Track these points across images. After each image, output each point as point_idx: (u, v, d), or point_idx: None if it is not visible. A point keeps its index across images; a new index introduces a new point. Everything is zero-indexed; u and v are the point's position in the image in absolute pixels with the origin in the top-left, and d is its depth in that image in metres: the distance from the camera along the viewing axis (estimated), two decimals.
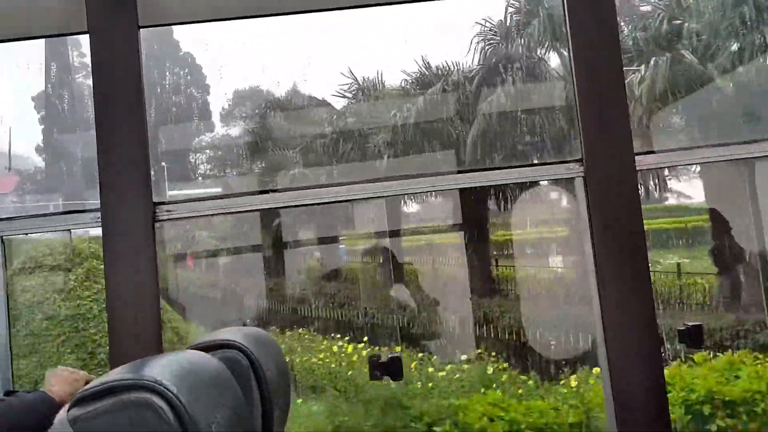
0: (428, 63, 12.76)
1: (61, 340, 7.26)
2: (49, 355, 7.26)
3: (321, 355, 8.29)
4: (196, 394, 1.08)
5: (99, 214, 2.60)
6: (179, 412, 1.02)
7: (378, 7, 2.83)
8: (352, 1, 2.81)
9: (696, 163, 2.79)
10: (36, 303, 7.37)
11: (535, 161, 12.72)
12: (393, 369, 2.68)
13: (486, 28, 13.12)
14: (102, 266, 2.67)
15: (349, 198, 2.89)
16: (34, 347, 7.26)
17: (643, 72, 10.65)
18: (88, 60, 2.65)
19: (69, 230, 2.78)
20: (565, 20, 2.77)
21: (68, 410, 1.03)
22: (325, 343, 9.24)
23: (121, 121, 2.60)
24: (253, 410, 1.48)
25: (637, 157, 2.69)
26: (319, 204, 2.86)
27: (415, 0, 2.91)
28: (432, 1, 3.11)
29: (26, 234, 2.84)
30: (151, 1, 2.68)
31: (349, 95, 13.23)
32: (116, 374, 1.07)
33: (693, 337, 2.72)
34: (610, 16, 2.75)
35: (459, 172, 2.90)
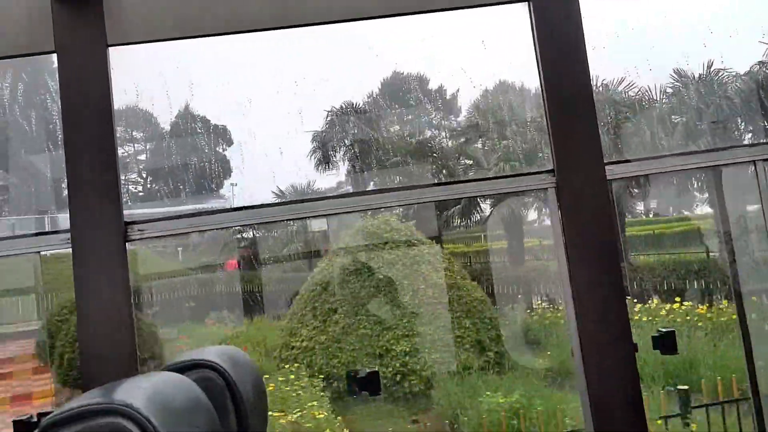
0: None
1: None
2: None
3: None
4: (169, 417, 1.06)
5: (69, 235, 2.55)
6: None
7: None
8: (324, 17, 2.82)
9: (666, 172, 2.83)
10: None
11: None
12: (371, 384, 2.67)
13: None
14: None
15: (325, 213, 2.89)
16: None
17: None
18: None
19: (38, 252, 2.72)
20: (533, 34, 2.82)
21: None
22: None
23: (90, 140, 2.57)
24: (230, 430, 1.46)
25: (607, 167, 2.74)
26: (295, 219, 2.85)
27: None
28: None
29: None
30: (118, 20, 2.65)
31: None
32: (87, 398, 1.05)
33: (667, 344, 2.76)
34: (577, 27, 2.80)
35: (435, 185, 2.91)
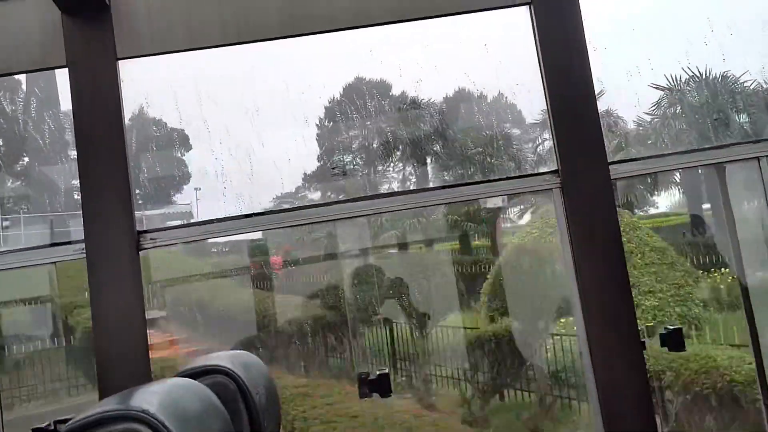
0: None
1: None
2: None
3: None
4: (184, 422, 1.10)
5: (83, 245, 2.61)
6: None
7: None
8: (329, 24, 2.86)
9: (670, 170, 2.84)
10: None
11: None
12: (382, 386, 2.71)
13: None
14: None
15: (333, 218, 2.93)
16: None
17: None
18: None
19: (54, 263, 2.78)
20: (535, 36, 2.84)
21: None
22: None
23: (102, 152, 2.63)
24: None
25: (611, 166, 2.76)
26: (302, 225, 2.89)
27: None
28: None
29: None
30: (128, 34, 2.71)
31: None
32: (104, 405, 1.09)
33: (674, 341, 2.77)
34: (578, 29, 2.83)
35: (441, 188, 2.94)
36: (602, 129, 2.78)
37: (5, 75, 2.74)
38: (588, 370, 2.69)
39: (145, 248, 2.63)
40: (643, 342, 2.61)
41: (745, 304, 3.09)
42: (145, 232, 2.65)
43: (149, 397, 1.11)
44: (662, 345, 2.82)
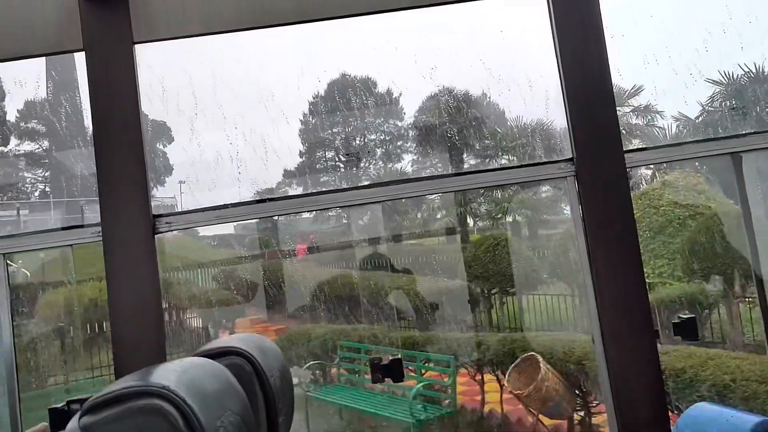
0: None
1: None
2: None
3: None
4: (204, 399, 1.11)
5: (99, 229, 2.63)
6: (188, 418, 1.04)
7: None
8: (346, 9, 2.85)
9: (686, 159, 2.82)
10: None
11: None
12: (394, 371, 2.72)
13: None
14: None
15: (346, 204, 2.93)
16: None
17: None
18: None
19: (71, 245, 2.81)
20: (552, 22, 2.82)
21: (79, 418, 1.06)
22: None
23: (118, 136, 2.64)
24: (259, 416, 1.51)
25: (626, 155, 2.74)
26: (316, 210, 2.90)
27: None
28: None
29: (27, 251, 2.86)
30: (145, 18, 2.72)
31: None
32: (124, 382, 1.10)
33: (688, 330, 2.76)
34: (596, 16, 2.80)
35: (455, 174, 2.94)
36: (617, 117, 2.77)
37: (22, 58, 2.76)
38: (600, 358, 2.69)
39: (161, 232, 2.66)
40: (657, 331, 2.60)
41: (760, 296, 3.07)
42: (161, 216, 2.67)
43: (169, 375, 1.12)
44: (675, 334, 2.82)
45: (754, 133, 2.93)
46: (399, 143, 17.68)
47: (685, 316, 2.81)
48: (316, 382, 9.52)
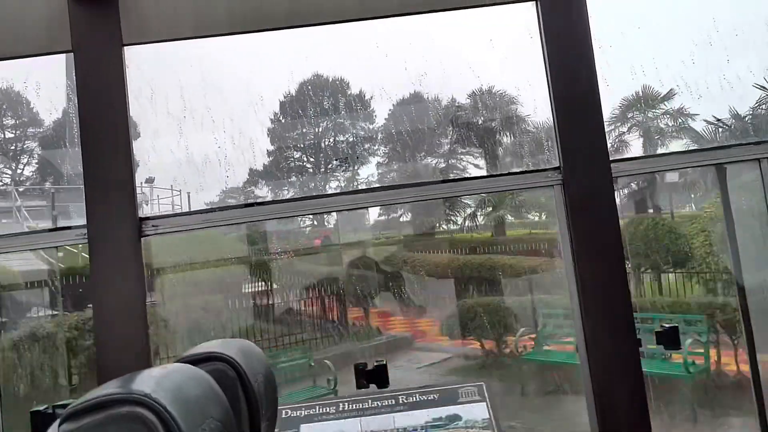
0: None
1: None
2: None
3: None
4: (186, 407, 1.11)
5: (85, 231, 2.62)
6: (169, 426, 1.04)
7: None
8: (338, 15, 2.86)
9: (671, 170, 2.85)
10: None
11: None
12: (379, 377, 2.72)
13: None
14: None
15: (334, 209, 2.93)
16: None
17: None
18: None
19: (56, 247, 2.79)
20: (540, 32, 2.84)
21: (59, 425, 1.05)
22: None
23: (106, 138, 2.63)
24: (241, 421, 1.51)
25: (612, 164, 2.77)
26: (304, 215, 2.90)
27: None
28: None
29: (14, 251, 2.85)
30: (135, 20, 2.71)
31: None
32: (106, 389, 1.10)
33: (670, 339, 2.79)
34: (584, 26, 2.83)
35: (442, 182, 2.95)
36: (604, 126, 2.79)
37: (10, 59, 2.74)
38: (584, 364, 2.71)
39: (147, 235, 2.65)
40: (639, 339, 2.63)
41: (742, 305, 3.10)
42: (147, 218, 2.66)
43: (151, 382, 1.12)
44: (658, 343, 2.84)
45: (738, 145, 2.96)
46: (366, 145, 17.86)
47: (667, 326, 2.84)
48: None
